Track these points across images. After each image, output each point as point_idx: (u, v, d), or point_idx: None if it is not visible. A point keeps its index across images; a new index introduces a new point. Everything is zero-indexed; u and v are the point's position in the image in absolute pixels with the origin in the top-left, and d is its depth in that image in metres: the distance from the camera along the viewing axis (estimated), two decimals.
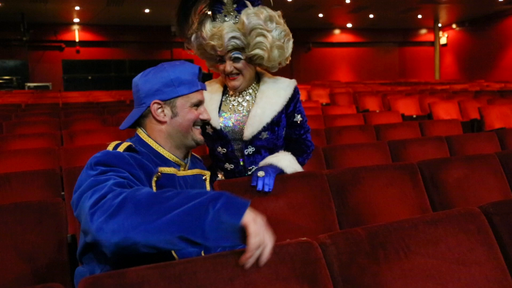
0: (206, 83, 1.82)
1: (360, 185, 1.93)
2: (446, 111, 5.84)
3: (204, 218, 0.93)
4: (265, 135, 1.78)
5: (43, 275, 1.40)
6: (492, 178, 2.20)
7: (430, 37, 18.67)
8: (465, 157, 2.32)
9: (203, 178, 1.44)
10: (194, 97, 1.33)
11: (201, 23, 1.74)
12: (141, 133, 1.34)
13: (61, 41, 14.77)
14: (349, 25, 18.02)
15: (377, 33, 18.53)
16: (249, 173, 1.83)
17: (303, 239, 1.08)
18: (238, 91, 1.82)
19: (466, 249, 1.17)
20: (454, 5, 14.81)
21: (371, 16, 16.05)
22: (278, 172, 1.73)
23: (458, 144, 3.16)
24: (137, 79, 1.35)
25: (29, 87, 12.12)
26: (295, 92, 1.85)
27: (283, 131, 1.85)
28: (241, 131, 1.78)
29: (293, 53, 1.87)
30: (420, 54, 19.17)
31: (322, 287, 1.01)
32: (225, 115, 1.82)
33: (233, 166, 1.84)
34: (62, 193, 2.16)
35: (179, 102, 1.31)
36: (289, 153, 1.80)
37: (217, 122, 1.79)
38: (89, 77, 13.17)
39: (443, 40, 18.40)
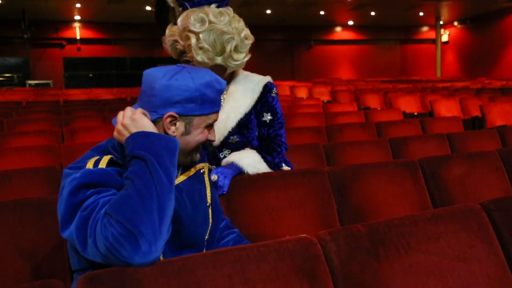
0: None
1: (361, 182, 1.93)
2: (447, 108, 5.83)
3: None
4: (234, 139, 1.73)
5: (43, 272, 1.40)
6: (493, 175, 2.19)
7: (432, 35, 18.63)
8: (466, 154, 2.32)
9: (201, 171, 1.28)
10: (212, 118, 1.17)
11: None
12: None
13: (62, 39, 14.76)
14: (350, 22, 17.98)
15: (379, 30, 18.50)
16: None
17: (302, 235, 1.08)
18: None
19: (466, 246, 1.16)
20: (455, 3, 14.77)
21: (372, 13, 16.01)
22: (237, 172, 1.66)
23: (459, 142, 3.15)
24: (154, 79, 1.12)
25: (30, 84, 12.12)
26: (265, 91, 1.77)
27: (256, 131, 1.78)
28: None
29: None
30: (421, 52, 19.14)
31: (322, 283, 1.01)
32: None
33: (215, 166, 1.78)
34: None
35: (196, 121, 1.14)
36: (255, 151, 1.72)
37: None
38: (90, 75, 13.17)
39: (444, 37, 18.34)
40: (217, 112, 1.19)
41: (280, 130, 1.80)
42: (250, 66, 1.79)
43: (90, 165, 1.07)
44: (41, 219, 1.46)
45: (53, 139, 3.42)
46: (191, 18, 1.58)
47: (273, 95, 1.79)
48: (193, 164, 1.24)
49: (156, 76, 1.13)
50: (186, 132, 1.14)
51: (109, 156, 1.10)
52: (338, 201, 1.85)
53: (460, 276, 1.12)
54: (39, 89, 9.97)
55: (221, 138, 1.72)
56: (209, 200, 1.27)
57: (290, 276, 1.00)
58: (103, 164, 1.07)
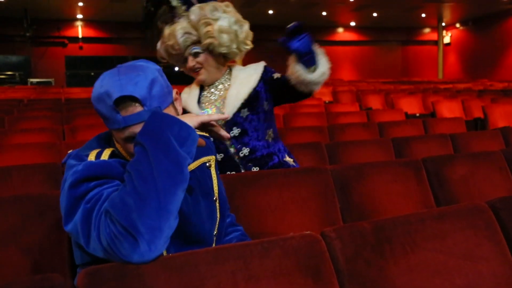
0: (185, 89, 1.99)
1: (364, 181, 1.91)
2: (449, 109, 5.81)
3: (174, 156, 0.92)
4: (245, 112, 1.85)
5: (42, 268, 1.39)
6: (497, 175, 2.18)
7: (434, 36, 18.60)
8: (470, 154, 2.30)
9: (207, 165, 1.23)
10: (121, 135, 1.05)
11: (161, 31, 1.86)
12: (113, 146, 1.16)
13: (64, 37, 14.74)
14: (352, 23, 17.96)
15: (381, 31, 18.47)
16: (241, 155, 1.85)
17: (307, 232, 1.06)
18: (207, 84, 1.92)
19: (473, 245, 1.15)
20: (458, 4, 14.75)
21: (374, 14, 15.99)
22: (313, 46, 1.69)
23: (462, 142, 3.14)
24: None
25: (31, 82, 12.11)
26: (266, 71, 1.92)
27: (264, 106, 1.88)
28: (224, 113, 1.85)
29: (234, 39, 1.85)
30: (423, 53, 19.10)
31: (327, 281, 0.99)
32: (204, 107, 1.91)
33: (222, 155, 1.87)
34: None
35: (116, 134, 1.08)
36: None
37: (196, 110, 1.88)
38: (92, 74, 13.12)
39: (446, 39, 18.31)
40: (119, 129, 1.02)
41: None
42: None
43: (92, 157, 1.04)
44: (41, 214, 1.45)
45: (54, 137, 3.41)
46: (206, 9, 1.78)
47: (273, 70, 1.95)
48: (198, 156, 1.18)
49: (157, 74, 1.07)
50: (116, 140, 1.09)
51: (111, 149, 1.08)
52: (341, 199, 1.83)
53: (467, 275, 1.10)
54: (41, 87, 9.96)
55: (234, 110, 1.84)
56: (216, 194, 1.22)
57: (294, 272, 0.98)
58: (105, 156, 1.04)
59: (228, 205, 1.38)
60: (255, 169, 1.86)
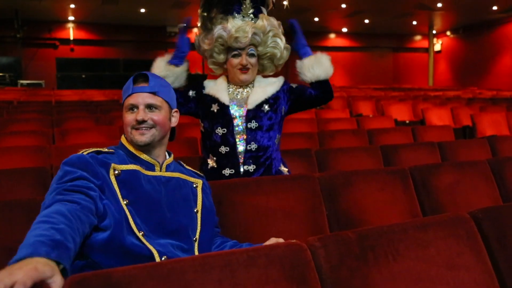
0: (208, 80, 2.10)
1: (352, 189, 1.94)
2: (439, 117, 5.88)
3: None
4: (266, 107, 1.99)
5: None
6: (483, 184, 2.22)
7: (425, 44, 18.78)
8: (456, 163, 2.34)
9: (194, 186, 1.44)
10: (127, 102, 1.37)
11: (223, 18, 1.97)
12: (122, 136, 1.43)
13: (55, 39, 14.66)
14: (344, 29, 18.09)
15: (372, 38, 18.61)
16: (248, 148, 1.94)
17: (292, 241, 1.08)
18: (245, 84, 2.04)
19: (455, 254, 1.17)
20: (448, 12, 14.92)
21: (366, 21, 16.12)
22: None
23: (449, 150, 3.18)
24: None
25: (22, 84, 12.00)
26: (285, 82, 2.11)
27: (282, 111, 2.04)
28: (244, 112, 1.97)
29: (288, 57, 2.15)
30: (414, 60, 19.28)
31: None
32: (230, 99, 2.01)
33: (228, 149, 1.93)
34: None
35: (124, 108, 1.39)
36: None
37: (227, 98, 1.99)
38: (83, 76, 13.08)
39: (437, 46, 18.50)
40: (129, 96, 1.37)
41: None
42: None
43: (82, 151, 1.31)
44: (30, 220, 1.44)
45: (44, 140, 3.40)
46: (274, 22, 2.07)
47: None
48: (189, 174, 1.46)
49: None
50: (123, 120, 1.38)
51: (96, 149, 1.33)
52: (328, 207, 1.85)
53: (448, 283, 1.13)
54: (31, 89, 9.89)
55: (258, 101, 1.98)
56: (198, 207, 1.40)
57: (280, 281, 1.00)
58: (86, 152, 1.29)
59: (217, 224, 1.53)
60: (252, 166, 1.93)
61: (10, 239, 1.40)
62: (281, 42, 2.05)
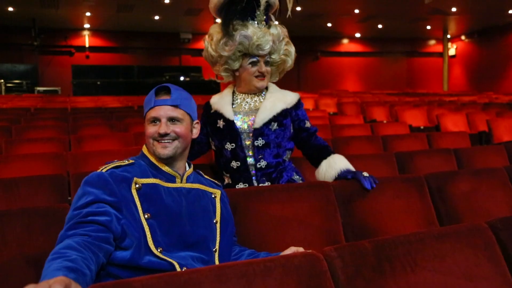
0: (214, 96, 2.10)
1: (367, 197, 1.92)
2: (454, 123, 5.81)
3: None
4: (274, 125, 1.94)
5: None
6: (500, 192, 2.18)
7: (439, 48, 18.64)
8: (473, 170, 2.31)
9: (213, 196, 1.45)
10: (149, 115, 1.40)
11: (242, 24, 1.94)
12: (144, 146, 1.46)
13: (71, 46, 14.90)
14: (357, 34, 18.04)
15: (385, 43, 18.53)
16: (258, 166, 1.93)
17: (308, 251, 1.08)
18: (259, 91, 2.03)
19: (473, 264, 1.16)
20: (463, 17, 14.80)
21: (379, 26, 16.07)
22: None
23: (466, 157, 3.14)
24: None
25: (38, 91, 12.20)
26: (299, 102, 2.07)
27: (289, 131, 2.01)
28: (251, 124, 1.95)
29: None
30: (428, 65, 19.13)
31: None
32: (237, 113, 1.99)
33: (239, 163, 1.93)
34: (69, 198, 2.16)
35: (146, 120, 1.42)
36: (336, 154, 2.03)
37: (231, 113, 1.96)
38: (98, 83, 13.20)
39: (451, 51, 18.34)
40: (152, 109, 1.40)
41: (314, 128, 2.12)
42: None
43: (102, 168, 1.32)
44: (48, 227, 1.47)
45: (61, 147, 3.44)
46: (284, 30, 2.04)
47: (303, 111, 2.10)
48: (209, 185, 1.48)
49: None
50: (145, 131, 1.41)
51: (115, 164, 1.33)
52: (343, 215, 1.84)
53: None
54: (48, 96, 10.04)
55: (265, 120, 1.93)
56: (217, 218, 1.41)
57: None
58: (106, 168, 1.31)
59: (234, 233, 1.53)
60: (267, 183, 1.93)
61: (29, 246, 1.42)
62: (292, 49, 2.06)
